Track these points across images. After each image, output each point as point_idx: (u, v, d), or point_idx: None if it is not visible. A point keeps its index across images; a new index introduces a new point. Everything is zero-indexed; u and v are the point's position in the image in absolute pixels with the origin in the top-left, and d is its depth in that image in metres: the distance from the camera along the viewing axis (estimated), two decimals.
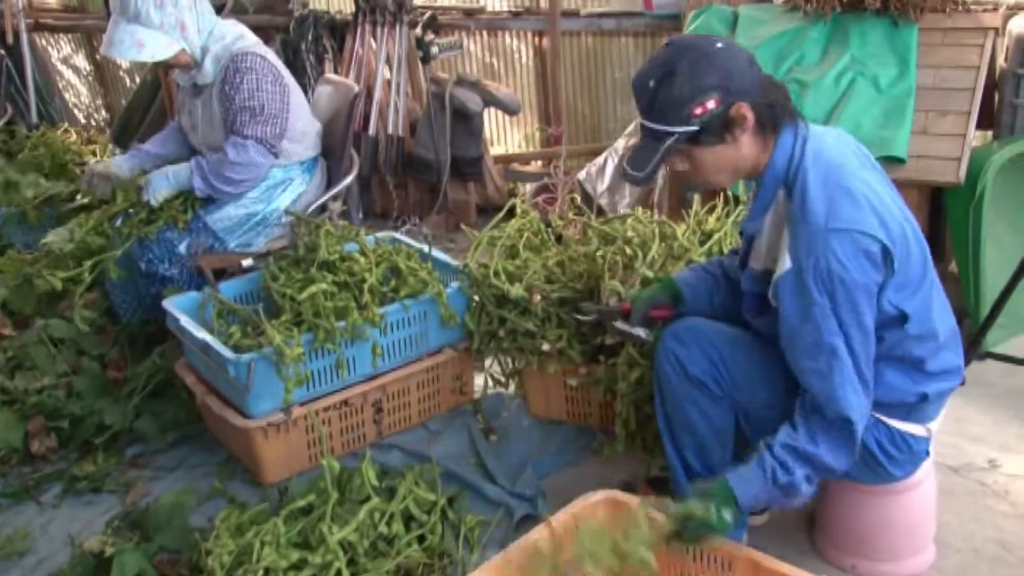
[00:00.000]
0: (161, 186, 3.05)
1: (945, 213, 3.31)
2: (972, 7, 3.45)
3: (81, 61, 7.12)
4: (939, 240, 3.41)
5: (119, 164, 3.28)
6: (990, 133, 3.65)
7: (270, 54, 3.08)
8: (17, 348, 3.18)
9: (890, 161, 3.13)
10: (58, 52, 7.17)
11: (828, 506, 2.26)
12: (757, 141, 1.89)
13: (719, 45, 1.86)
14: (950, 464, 2.59)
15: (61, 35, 7.06)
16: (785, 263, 1.84)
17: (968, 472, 2.57)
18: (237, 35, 3.04)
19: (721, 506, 1.82)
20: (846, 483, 2.11)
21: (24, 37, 5.67)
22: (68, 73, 7.21)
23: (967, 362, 2.83)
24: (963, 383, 2.68)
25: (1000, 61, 3.51)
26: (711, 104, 1.81)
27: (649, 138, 1.89)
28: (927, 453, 2.04)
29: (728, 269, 2.26)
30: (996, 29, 3.33)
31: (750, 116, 1.85)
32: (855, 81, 3.35)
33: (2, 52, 4.99)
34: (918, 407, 1.95)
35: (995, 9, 3.47)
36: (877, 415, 1.95)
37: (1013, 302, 2.89)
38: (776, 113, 1.88)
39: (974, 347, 2.87)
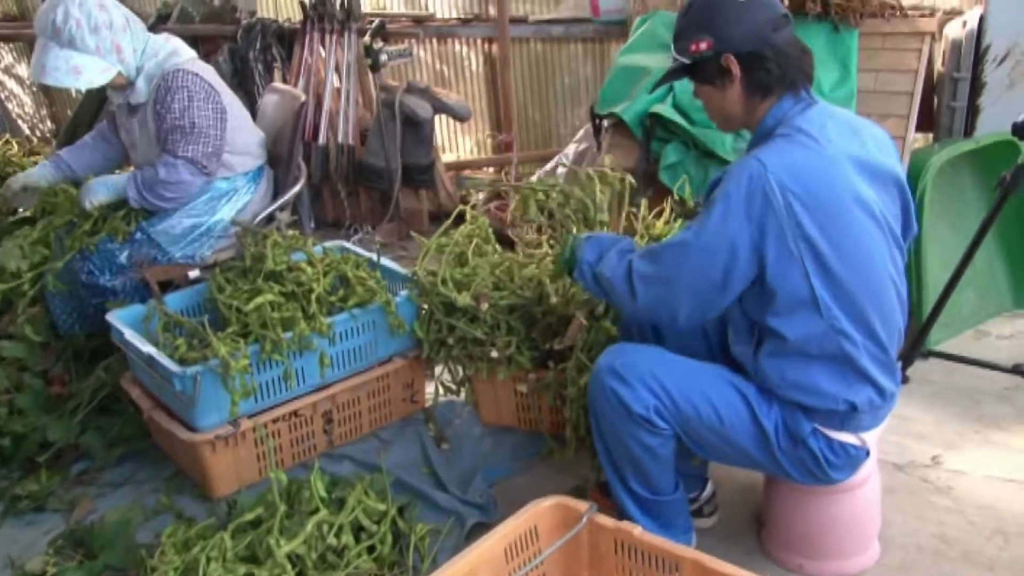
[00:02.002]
0: (99, 191, 3.02)
1: None
2: (910, 13, 3.52)
3: (23, 71, 7.00)
4: None
5: (38, 175, 3.23)
6: (932, 135, 3.74)
7: (204, 70, 3.02)
8: None
9: None
10: None
11: (774, 507, 2.28)
12: (745, 99, 1.99)
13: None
14: (894, 462, 2.63)
15: (2, 44, 6.93)
16: None
17: (912, 469, 2.61)
18: (170, 51, 2.98)
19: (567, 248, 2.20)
20: (791, 484, 2.14)
21: None
22: (11, 83, 7.08)
23: (910, 361, 2.90)
24: (907, 381, 2.74)
25: (938, 65, 3.59)
26: (703, 46, 1.95)
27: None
28: (867, 455, 2.07)
29: None
30: (933, 34, 3.40)
31: (736, 71, 1.95)
32: None
33: None
34: (850, 416, 1.97)
35: (932, 15, 3.55)
36: (815, 425, 1.98)
37: (955, 301, 2.96)
38: (769, 81, 1.94)
39: (917, 346, 2.92)
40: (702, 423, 2.01)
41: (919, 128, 3.44)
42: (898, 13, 3.48)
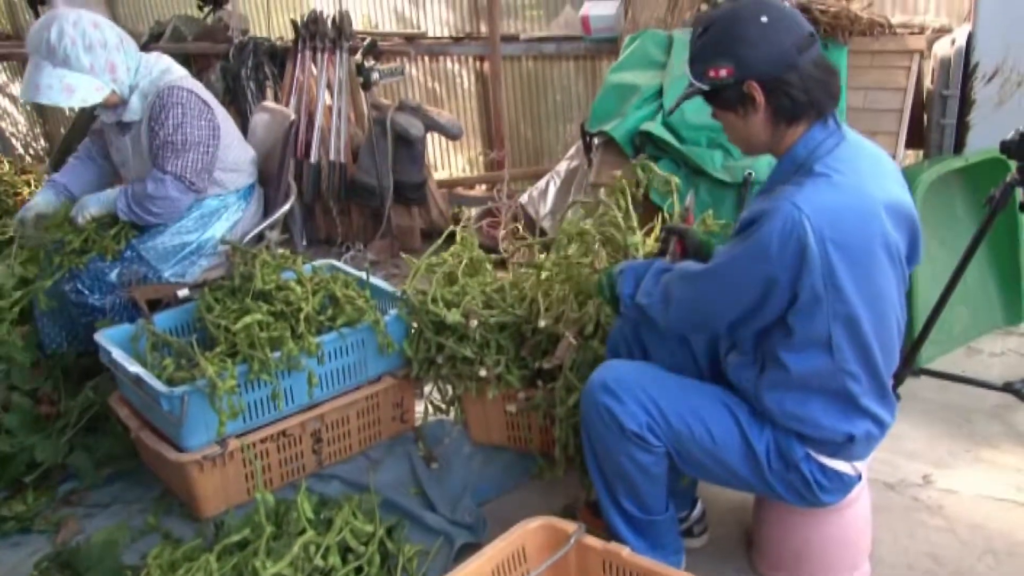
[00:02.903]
0: (91, 205, 3.04)
1: None
2: (898, 30, 3.54)
3: (17, 89, 7.01)
4: None
5: (45, 203, 3.22)
6: (922, 153, 3.75)
7: (198, 87, 3.04)
8: None
9: None
10: None
11: (765, 525, 2.27)
12: (770, 125, 1.89)
13: (763, 19, 1.82)
14: (885, 480, 2.62)
15: None
16: None
17: (903, 488, 2.60)
18: (163, 69, 2.99)
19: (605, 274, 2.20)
20: (781, 503, 2.13)
21: None
22: (4, 102, 7.09)
23: (902, 379, 2.89)
24: (898, 399, 2.73)
25: (927, 83, 3.60)
26: (723, 72, 1.84)
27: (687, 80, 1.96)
28: (859, 479, 2.06)
29: None
30: (921, 52, 3.42)
31: (760, 98, 1.85)
32: None
33: None
34: (845, 446, 1.97)
35: (921, 32, 3.56)
36: (808, 451, 1.97)
37: (946, 319, 2.95)
38: (796, 107, 1.84)
39: (908, 363, 2.92)
40: (694, 441, 2.00)
41: (909, 145, 3.46)
42: (887, 31, 3.50)
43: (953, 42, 3.50)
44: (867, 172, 1.87)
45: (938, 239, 3.36)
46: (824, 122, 1.89)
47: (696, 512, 2.41)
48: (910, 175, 3.24)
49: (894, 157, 3.23)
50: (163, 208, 2.97)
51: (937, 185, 3.26)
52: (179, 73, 3.03)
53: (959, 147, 3.53)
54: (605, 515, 2.16)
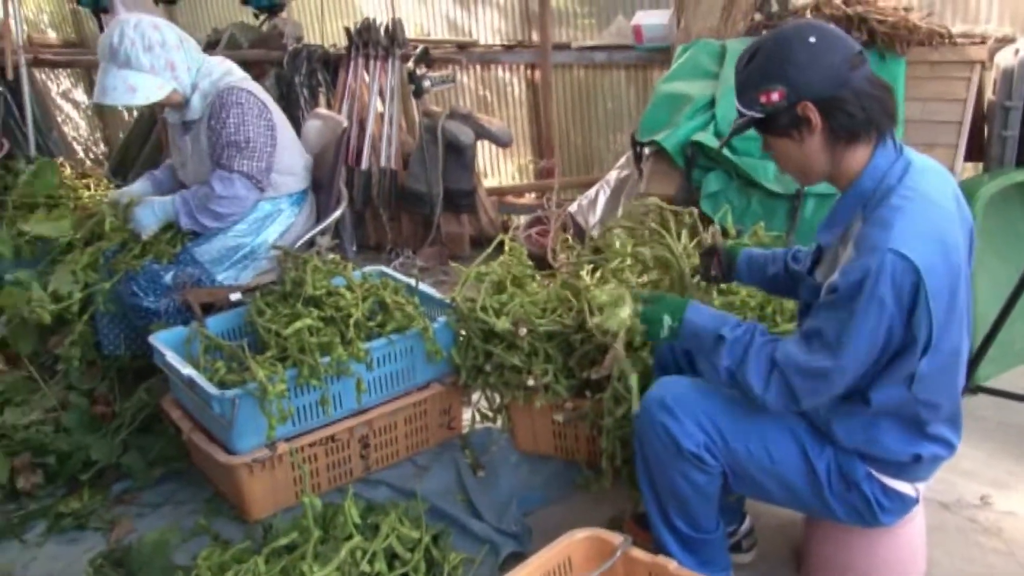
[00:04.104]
0: (149, 221, 3.08)
1: None
2: (959, 41, 3.47)
3: (80, 95, 7.19)
4: None
5: (139, 189, 3.31)
6: (981, 165, 3.67)
7: (257, 89, 3.09)
8: (8, 383, 3.18)
9: None
10: (57, 87, 7.24)
11: (816, 544, 2.23)
12: (828, 147, 1.84)
13: (811, 39, 1.78)
14: (941, 500, 2.56)
15: (60, 70, 7.12)
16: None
17: (959, 509, 2.54)
18: (224, 71, 3.06)
19: (666, 312, 2.03)
20: (835, 524, 2.08)
21: (24, 72, 5.71)
22: (67, 107, 7.27)
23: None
24: None
25: (988, 94, 3.52)
26: (775, 96, 1.79)
27: (737, 112, 1.91)
28: (916, 501, 2.02)
29: (788, 260, 2.23)
30: (983, 62, 3.35)
31: (817, 120, 1.80)
32: None
33: (1, 88, 5.02)
34: (910, 467, 1.93)
35: (982, 42, 3.49)
36: (871, 470, 1.94)
37: (1005, 335, 2.88)
38: (854, 124, 1.80)
39: (966, 381, 2.85)
40: (752, 461, 1.97)
41: (968, 158, 3.39)
42: (947, 41, 3.44)
43: (1016, 52, 3.42)
44: (937, 194, 1.82)
45: (998, 254, 3.28)
46: (884, 147, 1.84)
47: (744, 527, 2.38)
48: (969, 188, 3.17)
49: (952, 170, 3.18)
50: (230, 207, 3.02)
51: (997, 199, 3.19)
52: (239, 75, 3.09)
53: (1021, 160, 3.45)
54: (654, 531, 2.14)
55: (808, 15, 3.57)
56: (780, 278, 2.23)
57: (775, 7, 4.03)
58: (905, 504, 1.99)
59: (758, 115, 1.84)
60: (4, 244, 3.50)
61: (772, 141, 1.89)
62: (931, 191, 1.81)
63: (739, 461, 1.98)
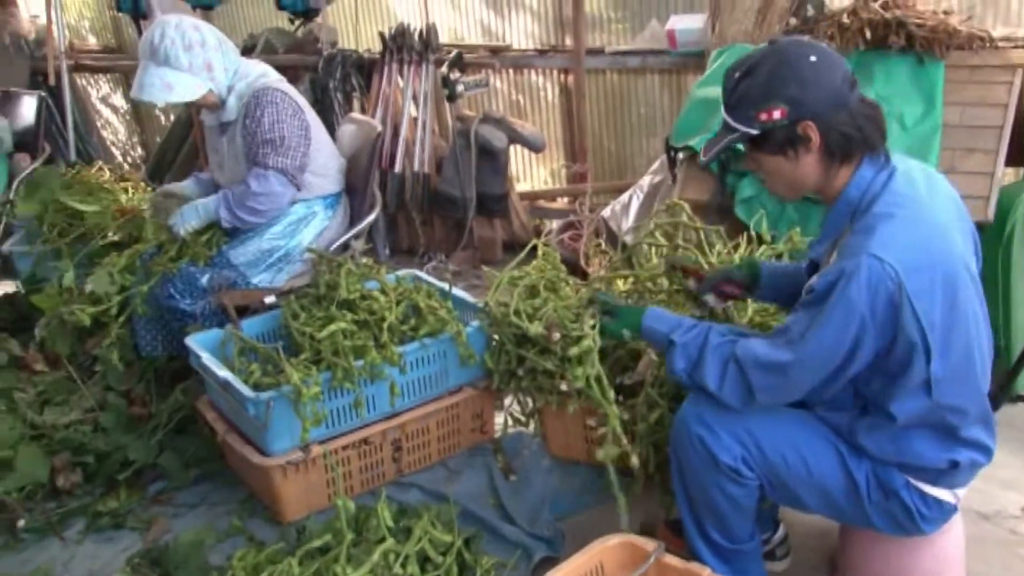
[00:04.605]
0: (191, 218, 3.11)
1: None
2: (1000, 44, 3.42)
3: (119, 100, 7.29)
4: None
5: (181, 187, 3.36)
6: (1023, 171, 3.62)
7: (291, 90, 3.12)
8: (48, 384, 3.23)
9: None
10: (97, 91, 7.35)
11: (852, 554, 2.21)
12: (822, 165, 1.85)
13: (812, 58, 1.79)
14: (980, 511, 2.53)
15: (100, 75, 7.23)
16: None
17: (1000, 520, 2.50)
18: (260, 73, 3.10)
19: (624, 327, 2.16)
20: (872, 533, 2.06)
21: (65, 78, 5.81)
22: (106, 112, 7.38)
23: (997, 405, 2.79)
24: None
25: None
26: (777, 114, 1.79)
27: (723, 128, 1.90)
28: (956, 509, 2.00)
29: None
30: None
31: (816, 139, 1.81)
32: None
33: (44, 93, 5.11)
34: (948, 473, 1.91)
35: None
36: (908, 478, 1.92)
37: None
38: (850, 144, 1.81)
39: (1005, 389, 2.81)
40: (789, 473, 1.95)
41: (1009, 163, 3.33)
42: (988, 45, 3.39)
43: None
44: (926, 197, 1.83)
45: None
46: (874, 158, 1.84)
47: (778, 535, 2.36)
48: (1010, 194, 3.13)
49: (992, 176, 3.14)
50: (267, 204, 3.04)
51: None
52: (274, 76, 3.13)
53: None
54: (689, 541, 2.13)
55: (845, 19, 3.54)
56: None
57: (811, 11, 3.99)
58: (945, 511, 1.97)
59: (753, 132, 1.83)
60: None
61: (763, 158, 1.89)
62: (918, 195, 1.82)
63: (777, 473, 1.97)
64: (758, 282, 2.26)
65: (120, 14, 6.45)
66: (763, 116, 1.80)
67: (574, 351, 2.27)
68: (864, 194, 1.83)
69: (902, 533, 2.00)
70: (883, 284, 1.71)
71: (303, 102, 3.15)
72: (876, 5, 3.49)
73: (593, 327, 2.29)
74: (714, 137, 1.93)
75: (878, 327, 1.74)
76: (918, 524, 1.96)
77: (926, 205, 1.81)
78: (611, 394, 2.28)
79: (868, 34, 3.47)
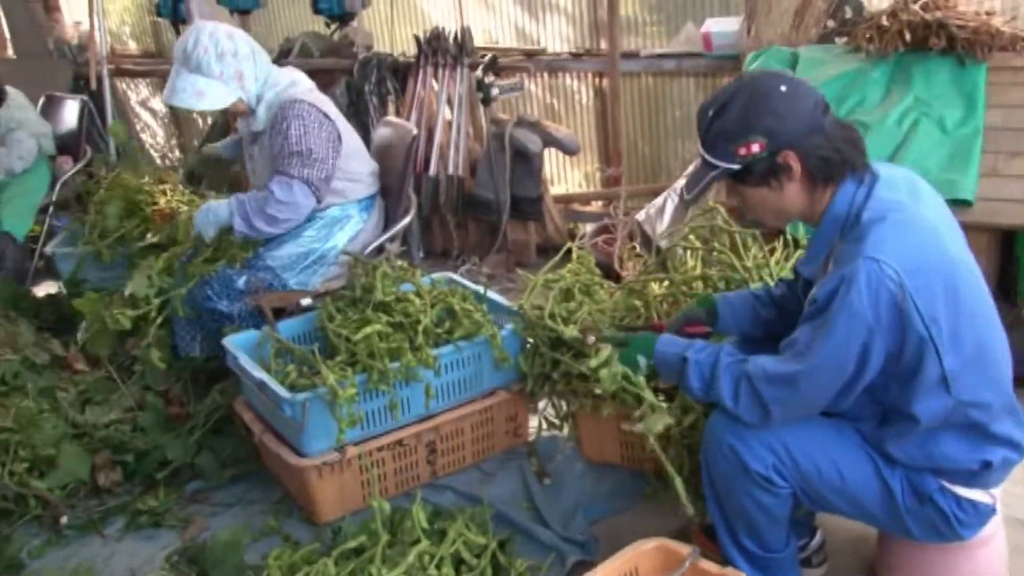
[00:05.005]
0: (208, 227, 3.13)
1: (1016, 256, 3.21)
2: None
3: (157, 104, 7.38)
4: (1010, 284, 3.31)
5: (221, 146, 3.48)
6: None
7: (320, 100, 3.11)
8: (89, 383, 3.28)
9: (956, 204, 3.05)
10: (136, 95, 7.46)
11: (889, 561, 2.19)
12: (806, 191, 1.88)
13: (783, 88, 1.82)
14: (1022, 518, 2.48)
15: (139, 79, 7.34)
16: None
17: None
18: (289, 82, 3.10)
19: (638, 352, 2.14)
20: (910, 540, 2.04)
21: (106, 82, 5.90)
22: (145, 115, 7.48)
23: None
24: None
25: None
26: (755, 148, 1.81)
27: (702, 164, 1.92)
28: (994, 511, 1.97)
29: (776, 296, 2.23)
30: None
31: (797, 167, 1.84)
32: (919, 122, 3.29)
33: (86, 97, 5.20)
34: (981, 474, 1.89)
35: None
36: (942, 482, 1.90)
37: None
38: (830, 167, 1.84)
39: None
40: (822, 481, 1.94)
41: None
42: None
43: None
44: (911, 199, 1.85)
45: None
46: (857, 175, 1.86)
47: (815, 541, 2.34)
48: None
49: None
50: (287, 213, 3.04)
51: None
52: (304, 87, 3.12)
53: None
54: (723, 548, 2.12)
55: (884, 21, 3.50)
56: (772, 320, 2.22)
57: (848, 13, 3.96)
58: (982, 514, 1.94)
59: (735, 167, 1.85)
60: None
61: (747, 191, 1.91)
62: (902, 198, 1.83)
63: (810, 482, 1.95)
64: (716, 316, 2.28)
65: (160, 19, 6.54)
66: (742, 151, 1.83)
67: (593, 363, 2.26)
68: (850, 207, 1.85)
69: (940, 540, 1.98)
70: (883, 285, 1.72)
71: (333, 111, 3.14)
72: (916, 6, 3.45)
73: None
74: (693, 174, 1.95)
75: (884, 330, 1.75)
76: (956, 529, 1.93)
77: (912, 207, 1.83)
78: (642, 380, 2.24)
79: (908, 36, 3.43)
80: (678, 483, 2.24)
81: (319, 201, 3.10)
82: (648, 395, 2.22)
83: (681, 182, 4.32)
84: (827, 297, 1.78)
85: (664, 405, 2.24)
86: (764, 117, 1.80)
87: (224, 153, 3.58)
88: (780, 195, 1.88)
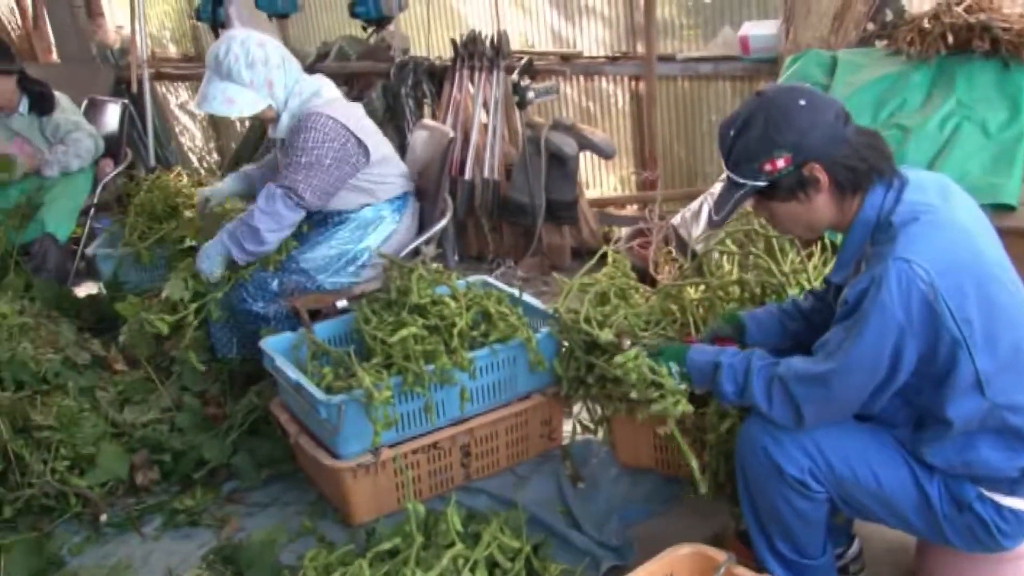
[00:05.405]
0: (212, 268, 3.13)
1: None
2: None
3: (196, 107, 7.47)
4: None
5: (219, 191, 3.47)
6: None
7: (340, 112, 3.06)
8: (127, 383, 3.33)
9: (999, 209, 3.00)
10: (176, 99, 7.55)
11: (931, 573, 2.15)
12: (834, 201, 1.88)
13: (802, 102, 1.83)
14: None
15: (179, 83, 7.43)
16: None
17: None
18: (313, 91, 3.09)
19: (670, 359, 2.15)
20: (951, 549, 2.00)
21: (147, 85, 5.98)
22: (184, 118, 7.58)
23: None
24: None
25: None
26: (780, 163, 1.82)
27: (728, 186, 1.92)
28: None
29: (804, 308, 2.23)
30: None
31: (824, 178, 1.84)
32: (960, 126, 3.24)
33: (126, 101, 5.27)
34: (1022, 482, 1.86)
35: None
36: (981, 490, 1.87)
37: None
38: (857, 176, 1.85)
39: None
40: (858, 486, 1.92)
41: None
42: None
43: None
44: (941, 201, 1.84)
45: None
46: (885, 181, 1.86)
47: (853, 550, 2.31)
48: None
49: None
50: (267, 223, 3.01)
51: None
52: (328, 97, 3.11)
53: None
54: (758, 554, 2.10)
55: (926, 23, 3.46)
56: (801, 331, 2.21)
57: (889, 16, 3.92)
58: (1022, 523, 1.90)
59: (761, 184, 1.85)
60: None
61: (775, 207, 1.92)
62: (932, 200, 1.83)
63: (845, 487, 1.93)
64: (744, 332, 2.29)
65: (199, 23, 6.62)
66: (767, 167, 1.83)
67: (619, 359, 2.28)
68: (880, 212, 1.85)
69: (981, 549, 1.94)
70: (914, 285, 1.71)
71: (355, 122, 3.09)
72: (959, 9, 3.40)
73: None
74: (720, 195, 1.95)
75: (916, 331, 1.74)
76: (997, 539, 1.90)
77: (944, 208, 1.83)
78: (664, 369, 2.22)
79: (950, 39, 3.39)
80: (693, 463, 2.26)
81: (308, 209, 3.07)
82: (668, 381, 2.21)
83: (717, 186, 4.29)
84: (858, 297, 1.78)
85: (683, 389, 2.22)
86: (786, 132, 1.81)
87: (233, 193, 3.54)
88: (809, 207, 1.88)
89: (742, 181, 1.88)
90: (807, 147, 1.81)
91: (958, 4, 3.42)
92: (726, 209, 1.93)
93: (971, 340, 1.74)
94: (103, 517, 2.80)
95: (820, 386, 1.85)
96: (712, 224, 1.98)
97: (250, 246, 3.06)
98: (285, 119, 3.10)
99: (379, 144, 3.19)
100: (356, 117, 3.14)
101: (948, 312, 1.72)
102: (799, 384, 1.88)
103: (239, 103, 3.01)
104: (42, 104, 4.46)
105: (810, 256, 2.83)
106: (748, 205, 2.03)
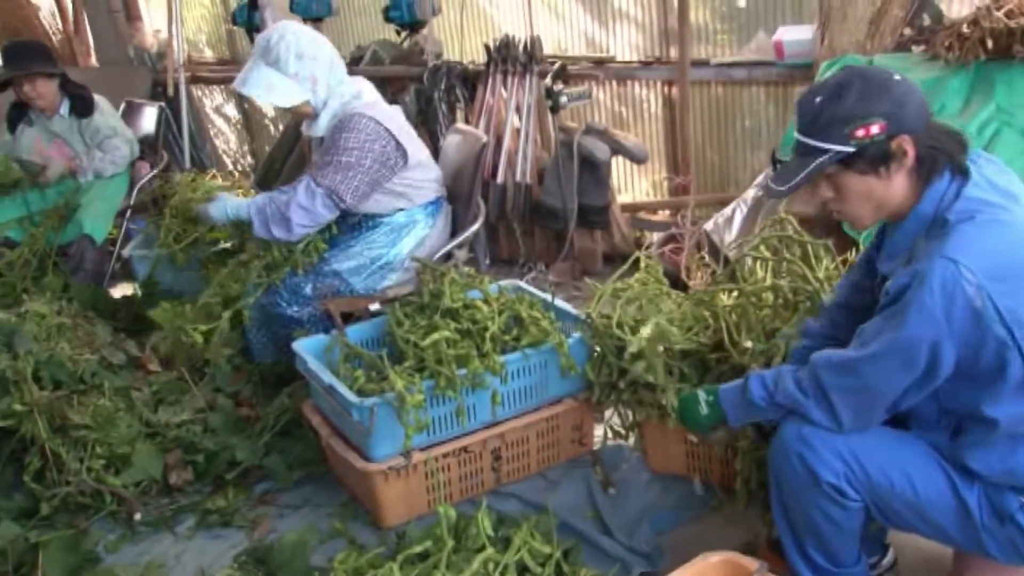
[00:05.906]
0: (217, 216, 3.23)
1: None
2: None
3: (231, 110, 7.55)
4: None
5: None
6: None
7: (382, 115, 3.09)
8: (161, 384, 3.36)
9: None
10: (211, 102, 7.64)
11: None
12: (910, 183, 1.84)
13: (896, 77, 1.83)
14: None
15: (215, 86, 7.51)
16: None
17: None
18: (354, 94, 3.12)
19: (699, 390, 2.16)
20: (989, 561, 1.97)
21: (183, 88, 6.05)
22: (219, 121, 7.66)
23: None
24: None
25: None
26: (875, 128, 1.78)
27: (801, 154, 1.87)
28: None
29: (841, 304, 2.21)
30: None
31: (911, 152, 1.80)
32: (1000, 132, 3.20)
33: (163, 103, 5.34)
34: None
35: None
36: (1021, 499, 1.84)
37: None
38: (937, 159, 1.81)
39: None
40: (895, 495, 1.89)
41: None
42: None
43: None
44: (1004, 200, 1.80)
45: None
46: (955, 173, 1.83)
47: (887, 560, 2.28)
48: None
49: None
50: (304, 219, 3.05)
51: None
52: (369, 99, 3.14)
53: None
54: (790, 562, 2.08)
55: (965, 28, 3.42)
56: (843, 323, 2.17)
57: (927, 21, 3.87)
58: None
59: (849, 149, 1.80)
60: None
61: (851, 180, 1.85)
62: (995, 198, 1.79)
63: (881, 495, 1.90)
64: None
65: (235, 27, 6.69)
66: (860, 132, 1.79)
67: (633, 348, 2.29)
68: (938, 205, 1.82)
69: (1021, 562, 1.91)
70: (959, 288, 1.68)
71: (395, 124, 3.12)
72: (1000, 14, 3.36)
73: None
74: (786, 166, 1.89)
75: (956, 333, 1.71)
76: None
77: (1006, 208, 1.79)
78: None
79: (990, 44, 3.34)
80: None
81: (346, 210, 3.10)
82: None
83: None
84: (899, 291, 1.77)
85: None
86: (883, 101, 1.79)
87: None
88: (887, 184, 1.83)
89: (826, 146, 1.81)
90: (902, 118, 1.78)
91: (998, 8, 3.38)
92: (801, 176, 1.84)
93: (1022, 342, 1.72)
94: (137, 516, 2.82)
95: (849, 373, 1.84)
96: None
97: (276, 231, 3.09)
98: (324, 118, 3.12)
99: (417, 149, 3.21)
100: (397, 120, 3.16)
101: (997, 314, 1.70)
102: (828, 372, 1.87)
103: (278, 91, 3.03)
104: (82, 107, 4.53)
105: (844, 262, 2.81)
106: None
